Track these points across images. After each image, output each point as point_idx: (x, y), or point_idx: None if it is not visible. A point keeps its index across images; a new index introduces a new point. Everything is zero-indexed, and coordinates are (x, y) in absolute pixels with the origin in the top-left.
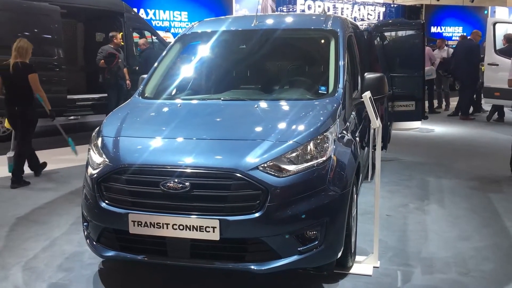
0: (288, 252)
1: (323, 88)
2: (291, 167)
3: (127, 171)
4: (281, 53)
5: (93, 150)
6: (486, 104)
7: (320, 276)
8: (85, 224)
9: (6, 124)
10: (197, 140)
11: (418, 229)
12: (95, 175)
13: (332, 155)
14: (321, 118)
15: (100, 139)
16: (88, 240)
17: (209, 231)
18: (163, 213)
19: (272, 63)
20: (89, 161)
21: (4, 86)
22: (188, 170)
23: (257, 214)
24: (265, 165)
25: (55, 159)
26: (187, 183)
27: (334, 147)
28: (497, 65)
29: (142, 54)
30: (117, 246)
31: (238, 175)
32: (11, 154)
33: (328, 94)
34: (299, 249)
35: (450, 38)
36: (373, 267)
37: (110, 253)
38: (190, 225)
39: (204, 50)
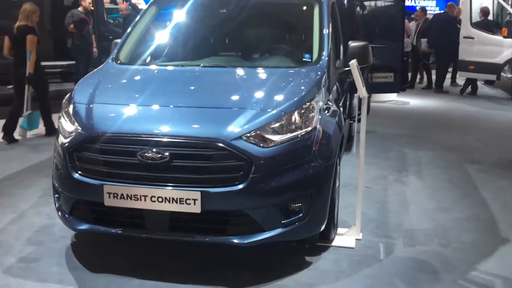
0: (272, 225)
1: (307, 56)
2: (276, 137)
3: (101, 139)
4: (262, 19)
5: (64, 118)
6: (460, 78)
7: (302, 248)
8: (56, 196)
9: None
10: (176, 108)
11: (398, 201)
12: (67, 144)
13: (318, 125)
14: (306, 86)
15: (71, 106)
16: (59, 213)
17: (189, 204)
18: (141, 184)
19: (253, 29)
20: (60, 129)
21: (13, 49)
22: (168, 140)
23: (240, 186)
24: (249, 134)
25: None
26: (166, 153)
27: (320, 117)
28: (473, 38)
29: (125, 20)
30: (91, 218)
31: (221, 145)
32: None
33: (312, 62)
34: (283, 221)
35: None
36: (356, 239)
37: (84, 226)
38: (169, 197)
39: (180, 15)
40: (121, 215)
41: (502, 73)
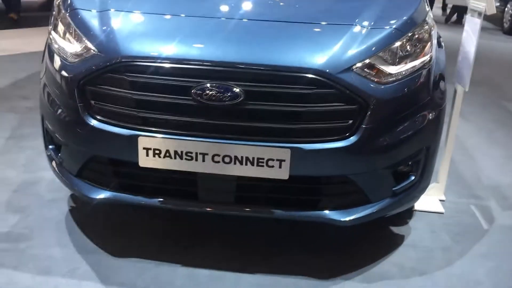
0: (380, 195)
1: None
2: (391, 69)
3: (135, 67)
4: None
5: (59, 32)
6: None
7: (381, 218)
8: (51, 147)
9: None
10: (251, 22)
11: (457, 148)
12: (74, 74)
13: (433, 55)
14: (413, 3)
15: (72, 13)
16: (60, 173)
17: (272, 166)
18: (197, 137)
19: None
20: (53, 47)
21: None
22: (243, 70)
23: (348, 141)
24: (362, 64)
25: None
26: (237, 90)
27: (434, 42)
28: None
29: None
30: (114, 184)
31: (324, 79)
32: None
33: None
34: (394, 189)
35: None
36: (439, 200)
37: (103, 195)
38: (242, 157)
39: None
40: (162, 180)
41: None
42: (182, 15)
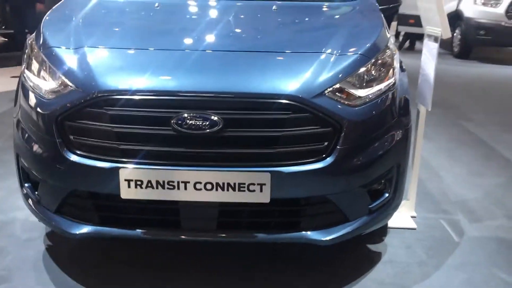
0: (357, 213)
1: None
2: (359, 92)
3: (113, 101)
4: None
5: (33, 70)
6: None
7: (358, 237)
8: (27, 185)
9: None
10: (223, 53)
11: (421, 166)
12: (51, 110)
13: (397, 78)
14: (375, 25)
15: (47, 51)
16: (38, 210)
17: (253, 191)
18: (178, 166)
19: None
20: (27, 87)
21: None
22: (219, 99)
23: (324, 162)
24: (332, 89)
25: None
26: (215, 118)
27: (397, 67)
28: None
29: None
30: (95, 217)
31: (299, 104)
32: None
33: None
34: (370, 206)
35: None
36: (411, 216)
37: (84, 229)
38: (223, 183)
39: None
40: (143, 211)
41: None
42: (157, 48)
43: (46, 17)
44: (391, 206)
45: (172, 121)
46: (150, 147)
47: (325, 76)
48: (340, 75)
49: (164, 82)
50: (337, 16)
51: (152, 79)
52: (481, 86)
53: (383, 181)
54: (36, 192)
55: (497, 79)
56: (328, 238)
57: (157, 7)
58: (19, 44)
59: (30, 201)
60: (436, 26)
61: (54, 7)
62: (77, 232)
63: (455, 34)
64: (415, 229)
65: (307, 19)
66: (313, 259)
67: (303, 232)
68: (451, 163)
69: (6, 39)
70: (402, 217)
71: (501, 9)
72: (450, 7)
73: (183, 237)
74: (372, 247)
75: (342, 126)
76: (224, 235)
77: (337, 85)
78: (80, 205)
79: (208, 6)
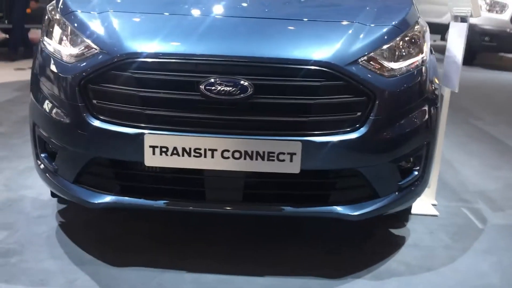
0: (387, 189)
1: None
2: (392, 65)
3: (139, 64)
4: None
5: (54, 37)
6: None
7: (373, 219)
8: (44, 155)
9: None
10: (254, 20)
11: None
12: (75, 74)
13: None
14: (406, 1)
15: (68, 16)
16: (55, 181)
17: (283, 160)
18: (205, 133)
19: None
20: (46, 53)
21: None
22: (251, 63)
23: (357, 133)
24: (367, 58)
25: None
26: (246, 84)
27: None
28: None
29: None
30: (116, 187)
31: (332, 71)
32: None
33: None
34: (399, 183)
35: None
36: (432, 204)
37: (105, 199)
38: (252, 152)
39: None
40: (166, 181)
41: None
42: (186, 14)
43: None
44: (419, 185)
45: (200, 86)
46: (176, 112)
47: (358, 45)
48: (373, 45)
49: (193, 45)
50: None
51: (181, 42)
52: (486, 90)
53: (412, 158)
54: (53, 163)
55: (501, 84)
56: (357, 213)
57: None
58: (14, 39)
59: (46, 172)
60: (464, 6)
61: None
62: (97, 202)
63: None
64: (437, 215)
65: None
66: (336, 240)
67: (332, 206)
68: (466, 157)
69: (7, 36)
70: (423, 204)
71: (506, 16)
72: None
73: (207, 209)
74: (395, 231)
75: (376, 96)
76: (249, 207)
77: (371, 55)
78: (100, 173)
79: None
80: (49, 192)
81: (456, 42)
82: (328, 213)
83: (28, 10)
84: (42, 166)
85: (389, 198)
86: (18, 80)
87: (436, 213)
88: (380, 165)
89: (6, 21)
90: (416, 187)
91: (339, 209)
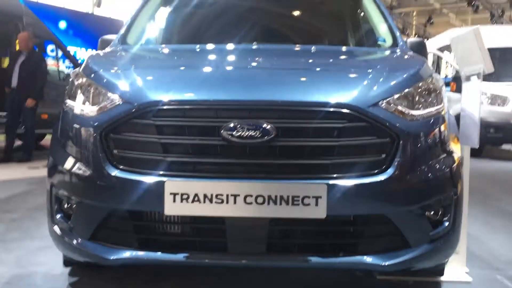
0: (418, 239)
1: (381, 39)
2: (411, 111)
3: (161, 111)
4: (301, 6)
5: (78, 98)
6: None
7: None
8: (59, 215)
9: None
10: (274, 70)
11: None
12: (97, 125)
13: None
14: (419, 59)
15: (96, 75)
16: (69, 240)
17: (308, 204)
18: (227, 178)
19: (294, 15)
20: (69, 113)
21: None
22: (271, 108)
23: (384, 175)
24: (386, 101)
25: None
26: (268, 127)
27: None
28: None
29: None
30: (133, 241)
31: (354, 113)
32: None
33: (391, 46)
34: (430, 233)
35: None
36: (464, 272)
37: (122, 255)
38: (276, 196)
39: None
40: (187, 233)
41: None
42: (205, 66)
43: (90, 55)
44: (451, 239)
45: (221, 131)
46: (198, 158)
47: (378, 89)
48: (391, 90)
49: (213, 92)
50: (374, 56)
51: (201, 89)
52: (500, 176)
53: (441, 208)
54: (69, 221)
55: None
56: (388, 263)
57: (197, 49)
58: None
59: (60, 232)
60: (476, 64)
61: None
62: (114, 258)
63: None
64: (470, 282)
65: (355, 56)
66: None
67: (362, 256)
68: (492, 231)
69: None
70: (455, 270)
71: (509, 108)
72: (455, 109)
73: (230, 261)
74: None
75: (399, 137)
76: (274, 259)
77: (390, 99)
78: (118, 227)
79: (238, 49)
80: (61, 267)
81: (471, 100)
82: (358, 263)
83: (44, 116)
84: (56, 227)
85: (421, 249)
86: (32, 177)
87: (469, 279)
88: (409, 211)
89: (22, 127)
90: (447, 241)
91: (368, 259)
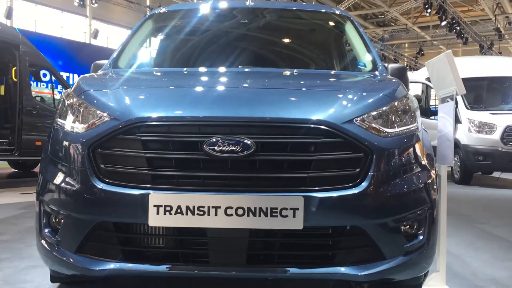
0: (393, 251)
1: (361, 63)
2: (385, 129)
3: (147, 127)
4: (282, 29)
5: (68, 116)
6: None
7: None
8: (47, 229)
9: None
10: (253, 89)
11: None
12: (85, 140)
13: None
14: (394, 81)
15: (86, 94)
16: (55, 253)
17: (286, 216)
18: (209, 191)
19: (276, 40)
20: (59, 130)
21: None
22: (251, 124)
23: (358, 188)
24: (360, 118)
25: None
26: (248, 142)
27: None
28: None
29: None
30: (118, 253)
31: (329, 129)
32: None
33: (370, 70)
34: (405, 246)
35: None
36: None
37: (108, 266)
38: (255, 208)
39: (187, 27)
40: (169, 244)
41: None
42: (190, 87)
43: (81, 77)
44: (426, 252)
45: (204, 146)
46: (181, 172)
47: (352, 107)
48: (366, 108)
49: (197, 109)
50: (355, 78)
51: (186, 107)
52: (486, 201)
53: (415, 222)
54: (56, 235)
55: (500, 199)
56: (364, 273)
57: (185, 72)
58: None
59: (48, 244)
60: (450, 86)
61: (82, 76)
62: (100, 269)
63: (454, 161)
64: None
65: (333, 78)
66: None
67: (338, 267)
68: (474, 252)
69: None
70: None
71: (496, 135)
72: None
73: (211, 272)
74: None
75: (373, 152)
76: (254, 270)
77: (364, 116)
78: (103, 240)
79: (224, 72)
80: (48, 284)
81: (446, 121)
82: (334, 274)
83: (38, 143)
84: (44, 242)
85: (396, 261)
86: (23, 201)
87: None
88: (383, 224)
89: (17, 154)
90: (422, 254)
91: (345, 270)
